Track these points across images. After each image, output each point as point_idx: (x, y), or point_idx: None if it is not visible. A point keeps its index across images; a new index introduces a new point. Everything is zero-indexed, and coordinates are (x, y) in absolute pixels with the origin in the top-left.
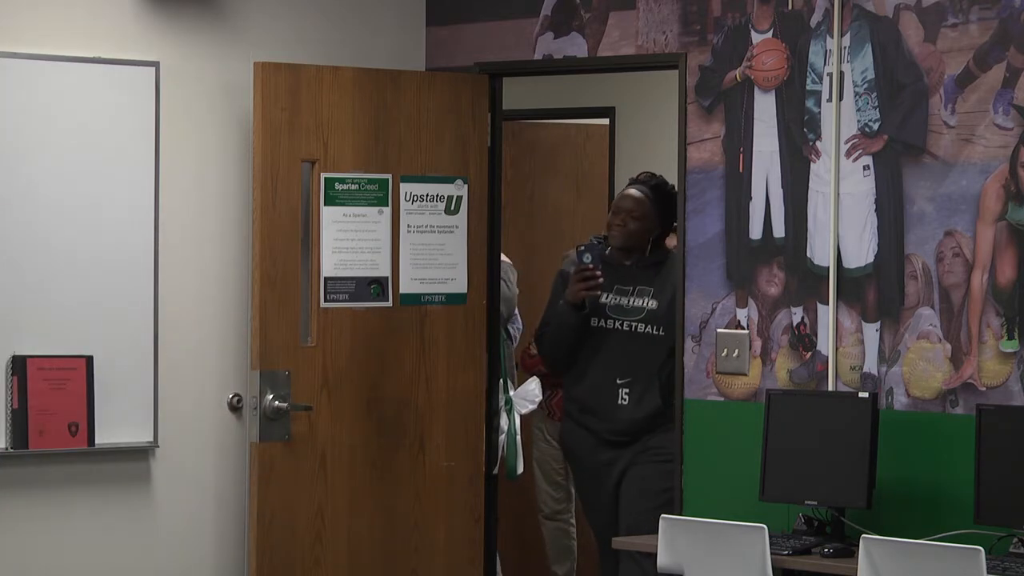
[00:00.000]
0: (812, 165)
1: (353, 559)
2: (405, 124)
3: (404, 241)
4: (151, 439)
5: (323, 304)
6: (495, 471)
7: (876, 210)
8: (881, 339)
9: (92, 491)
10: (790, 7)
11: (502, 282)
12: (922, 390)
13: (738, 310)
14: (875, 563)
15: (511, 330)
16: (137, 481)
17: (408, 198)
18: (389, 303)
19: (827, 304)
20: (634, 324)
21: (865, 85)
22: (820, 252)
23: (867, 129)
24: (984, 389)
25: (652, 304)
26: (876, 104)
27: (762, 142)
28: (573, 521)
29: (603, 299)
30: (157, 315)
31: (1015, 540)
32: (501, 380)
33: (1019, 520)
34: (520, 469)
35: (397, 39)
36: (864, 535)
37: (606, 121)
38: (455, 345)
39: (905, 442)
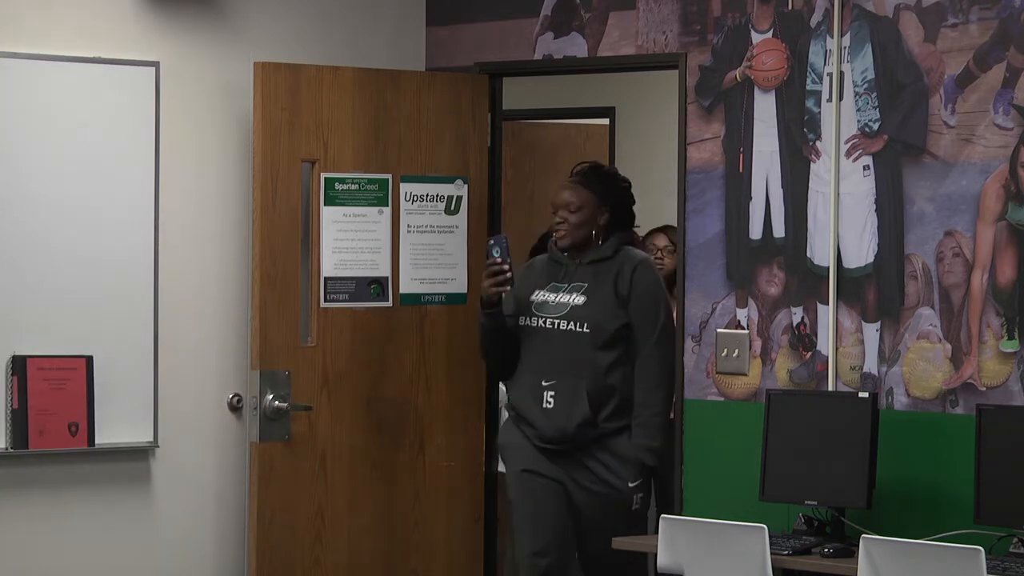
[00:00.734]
0: (812, 165)
1: (353, 559)
2: (405, 124)
3: (404, 241)
4: (151, 439)
5: (323, 304)
6: (496, 471)
7: (876, 210)
8: (881, 339)
9: (92, 491)
10: (790, 7)
11: None
12: (922, 390)
13: (738, 310)
14: (875, 563)
15: None
16: (137, 481)
17: (408, 198)
18: (389, 303)
19: (827, 304)
20: (557, 321)
21: (865, 85)
22: (820, 252)
23: (867, 129)
24: (984, 389)
25: (579, 300)
26: (876, 104)
27: (762, 142)
28: None
29: (533, 296)
30: (157, 315)
31: (1015, 540)
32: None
33: (1019, 520)
34: None
35: (397, 39)
36: (864, 535)
37: (606, 121)
38: (455, 345)
39: (905, 442)
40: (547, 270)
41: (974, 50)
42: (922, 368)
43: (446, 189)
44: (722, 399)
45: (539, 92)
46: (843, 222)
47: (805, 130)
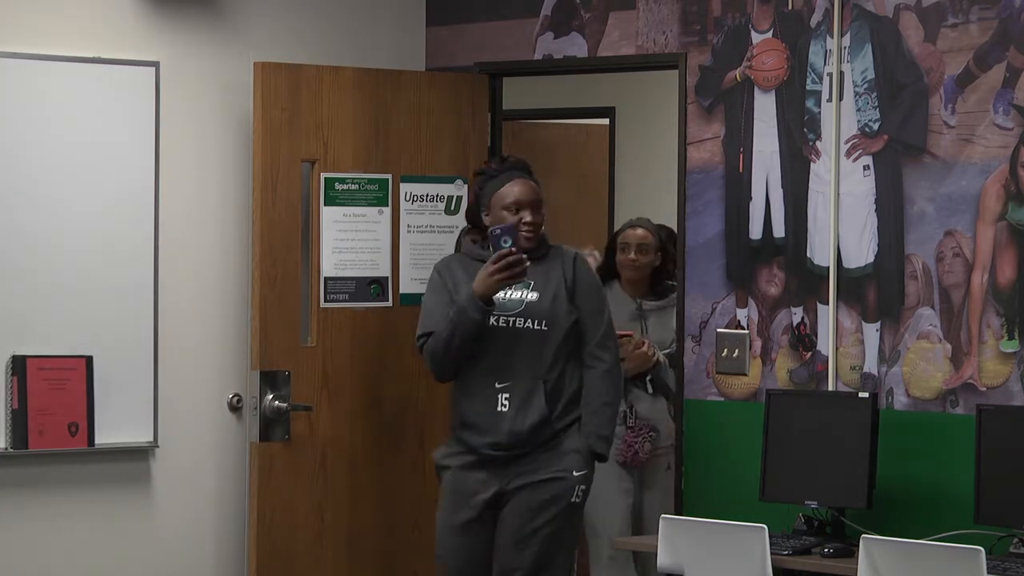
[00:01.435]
0: (812, 165)
1: (353, 559)
2: (405, 124)
3: (404, 241)
4: (151, 439)
5: (323, 304)
6: None
7: (876, 210)
8: (881, 339)
9: (92, 491)
10: (790, 7)
11: None
12: (922, 390)
13: (738, 310)
14: (875, 563)
15: None
16: (137, 481)
17: (408, 198)
18: (389, 303)
19: (827, 304)
20: (511, 319)
21: (865, 85)
22: (820, 252)
23: (867, 129)
24: (984, 389)
25: (532, 296)
26: (876, 104)
27: (762, 142)
28: None
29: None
30: (157, 315)
31: (1015, 540)
32: None
33: (1019, 520)
34: None
35: (397, 39)
36: (864, 535)
37: (606, 121)
38: None
39: (905, 442)
40: (476, 269)
41: (974, 50)
42: (922, 368)
43: (446, 189)
44: (722, 399)
45: (539, 92)
46: (843, 222)
47: (805, 130)
